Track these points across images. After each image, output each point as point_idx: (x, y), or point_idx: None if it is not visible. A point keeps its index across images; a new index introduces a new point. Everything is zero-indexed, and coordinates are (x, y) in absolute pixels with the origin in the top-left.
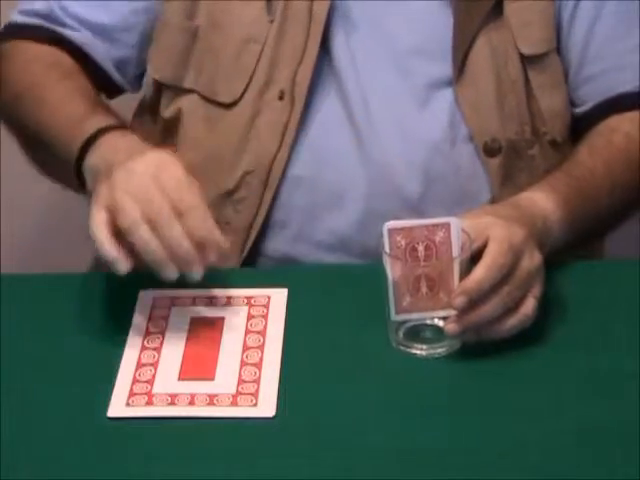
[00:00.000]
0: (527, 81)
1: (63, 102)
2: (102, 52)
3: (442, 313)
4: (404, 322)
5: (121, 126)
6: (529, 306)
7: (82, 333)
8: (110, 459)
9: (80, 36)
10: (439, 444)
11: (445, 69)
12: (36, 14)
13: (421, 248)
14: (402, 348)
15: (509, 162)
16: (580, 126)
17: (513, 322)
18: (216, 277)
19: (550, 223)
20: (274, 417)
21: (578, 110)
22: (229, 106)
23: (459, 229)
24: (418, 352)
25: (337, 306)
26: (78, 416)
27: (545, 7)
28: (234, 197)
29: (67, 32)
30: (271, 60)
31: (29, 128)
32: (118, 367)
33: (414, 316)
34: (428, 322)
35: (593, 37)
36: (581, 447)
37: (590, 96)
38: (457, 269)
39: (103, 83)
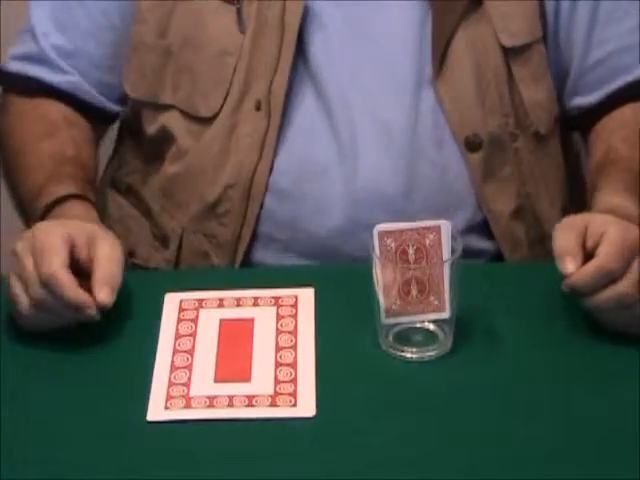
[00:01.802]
0: (509, 73)
1: (29, 171)
2: (94, 86)
3: (432, 316)
4: (394, 325)
5: (75, 194)
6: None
7: (93, 335)
8: (151, 462)
9: (67, 80)
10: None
11: (426, 68)
12: (27, 58)
13: (411, 251)
14: (392, 351)
15: (491, 156)
16: (585, 116)
17: (629, 318)
18: (241, 278)
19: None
20: (314, 417)
21: (585, 100)
22: (209, 120)
23: (449, 232)
24: (408, 355)
25: (364, 305)
26: (115, 421)
27: None
28: (217, 210)
29: (57, 79)
30: (247, 71)
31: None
32: (143, 370)
33: (404, 319)
34: (418, 325)
35: (596, 22)
36: (581, 447)
37: (597, 81)
38: (447, 272)
39: (101, 115)
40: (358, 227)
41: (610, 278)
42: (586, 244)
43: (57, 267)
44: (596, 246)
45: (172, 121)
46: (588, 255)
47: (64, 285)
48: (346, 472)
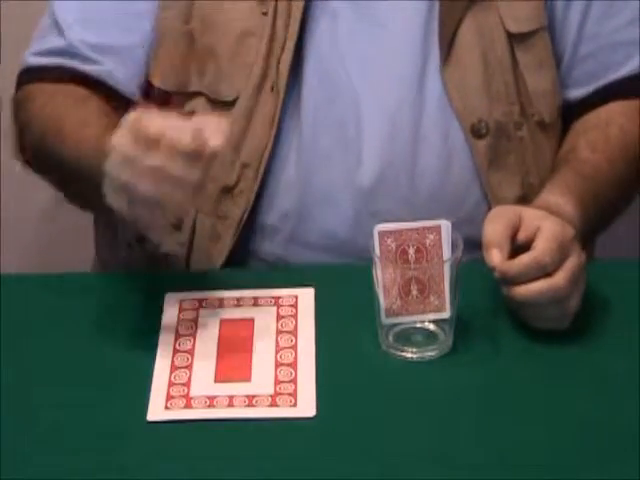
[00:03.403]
0: (514, 61)
1: (80, 130)
2: (125, 77)
3: (432, 316)
4: (394, 325)
5: None
6: (574, 301)
7: (93, 335)
8: (151, 462)
9: (99, 69)
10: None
11: (432, 55)
12: (53, 52)
13: (411, 251)
14: (392, 351)
15: (497, 144)
16: (573, 109)
17: (557, 314)
18: (241, 278)
19: (573, 228)
20: (314, 417)
21: (573, 93)
22: (232, 102)
23: (449, 232)
24: (409, 355)
25: (364, 305)
26: (115, 421)
27: None
28: (234, 191)
29: (86, 67)
30: (266, 53)
31: (55, 166)
32: (143, 370)
33: (404, 319)
34: (418, 325)
35: (589, 15)
36: (581, 447)
37: (586, 75)
38: (448, 272)
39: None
40: (364, 216)
41: (543, 272)
42: (518, 236)
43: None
44: (529, 239)
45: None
46: (518, 247)
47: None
48: (346, 472)
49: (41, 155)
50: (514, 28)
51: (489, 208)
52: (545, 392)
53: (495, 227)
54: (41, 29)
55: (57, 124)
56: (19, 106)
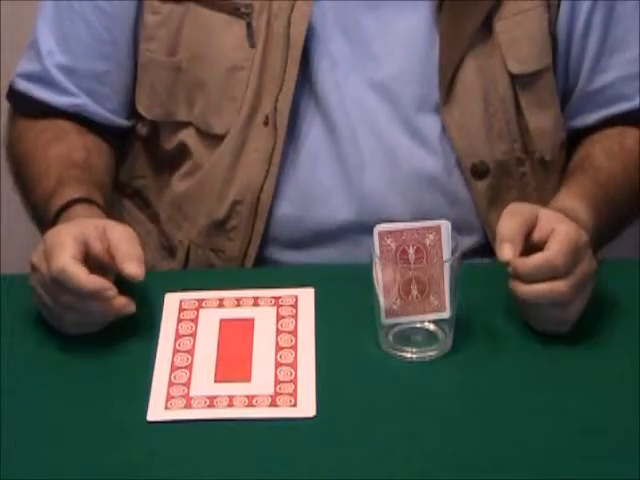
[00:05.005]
0: (516, 100)
1: (39, 178)
2: (102, 106)
3: (432, 317)
4: (394, 325)
5: (82, 198)
6: (575, 308)
7: (93, 334)
8: (151, 462)
9: (75, 104)
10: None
11: (433, 93)
12: (32, 78)
13: (411, 251)
14: (392, 351)
15: (498, 183)
16: (581, 132)
17: (557, 318)
18: (241, 278)
19: (587, 234)
20: (314, 417)
21: (583, 120)
22: (223, 136)
23: (449, 232)
24: (409, 355)
25: (364, 305)
26: (115, 421)
27: (536, 24)
28: (226, 226)
29: (62, 102)
30: (257, 86)
31: (22, 194)
32: (143, 370)
33: (404, 319)
34: (418, 325)
35: (604, 50)
36: (581, 447)
37: (596, 106)
38: (448, 272)
39: (111, 131)
40: (362, 252)
41: (554, 274)
42: (533, 235)
43: (64, 260)
44: (543, 240)
45: (189, 138)
46: (531, 246)
47: (74, 275)
48: (346, 472)
49: (19, 185)
50: (517, 69)
51: (490, 246)
52: (545, 392)
53: (510, 223)
54: (30, 42)
55: (24, 164)
56: (7, 126)
